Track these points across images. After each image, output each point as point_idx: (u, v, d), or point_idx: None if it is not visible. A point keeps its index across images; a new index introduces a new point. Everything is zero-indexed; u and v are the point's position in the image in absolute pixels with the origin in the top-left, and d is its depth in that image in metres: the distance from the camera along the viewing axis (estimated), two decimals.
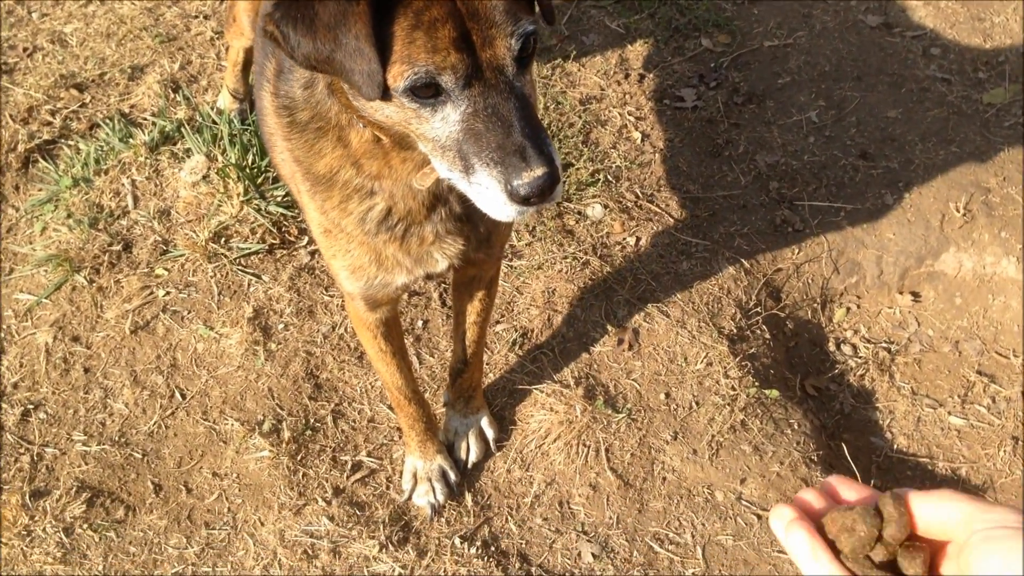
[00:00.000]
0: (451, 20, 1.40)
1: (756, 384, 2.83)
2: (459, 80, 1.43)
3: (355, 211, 1.83)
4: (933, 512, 0.90)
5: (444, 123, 1.48)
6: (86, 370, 2.80)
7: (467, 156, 1.47)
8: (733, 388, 2.82)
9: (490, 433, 2.68)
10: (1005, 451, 2.83)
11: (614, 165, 3.39)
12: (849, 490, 0.99)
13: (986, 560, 0.82)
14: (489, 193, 1.46)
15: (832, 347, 3.06)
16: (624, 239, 3.16)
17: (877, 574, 0.90)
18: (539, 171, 1.41)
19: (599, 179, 3.31)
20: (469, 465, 2.66)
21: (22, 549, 2.45)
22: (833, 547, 0.91)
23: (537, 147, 1.43)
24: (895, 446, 2.87)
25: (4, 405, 2.74)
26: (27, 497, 2.54)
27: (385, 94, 1.45)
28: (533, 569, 2.47)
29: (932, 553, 0.91)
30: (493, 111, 1.44)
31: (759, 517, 2.60)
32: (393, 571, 2.45)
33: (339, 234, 1.91)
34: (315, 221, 1.96)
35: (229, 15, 3.01)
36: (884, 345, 3.05)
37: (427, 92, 1.44)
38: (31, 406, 2.74)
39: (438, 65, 1.41)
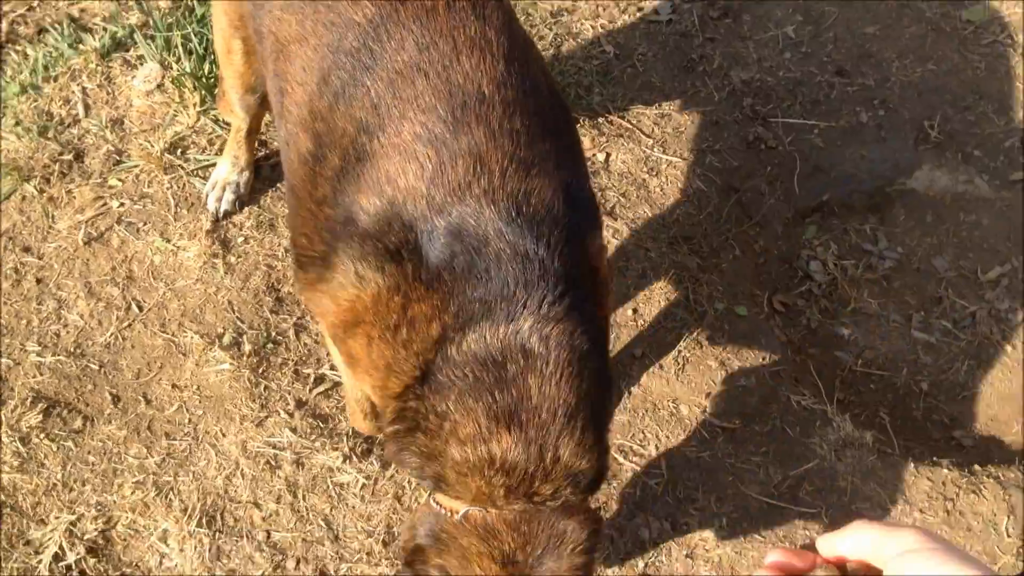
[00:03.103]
0: None
1: (724, 301, 2.82)
2: None
3: None
4: (846, 548, 0.91)
5: None
6: (38, 280, 2.72)
7: None
8: (701, 304, 2.80)
9: None
10: (969, 364, 2.85)
11: (585, 80, 3.29)
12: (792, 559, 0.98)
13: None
14: None
15: (802, 264, 3.04)
16: (593, 155, 3.09)
17: None
18: None
19: (569, 94, 3.22)
20: None
21: None
22: None
23: None
24: (860, 361, 2.88)
25: None
26: None
27: None
28: None
29: None
30: None
31: (723, 430, 2.61)
32: (357, 482, 2.44)
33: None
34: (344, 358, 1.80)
35: (220, 88, 2.72)
36: (853, 262, 3.03)
37: None
38: None
39: None
